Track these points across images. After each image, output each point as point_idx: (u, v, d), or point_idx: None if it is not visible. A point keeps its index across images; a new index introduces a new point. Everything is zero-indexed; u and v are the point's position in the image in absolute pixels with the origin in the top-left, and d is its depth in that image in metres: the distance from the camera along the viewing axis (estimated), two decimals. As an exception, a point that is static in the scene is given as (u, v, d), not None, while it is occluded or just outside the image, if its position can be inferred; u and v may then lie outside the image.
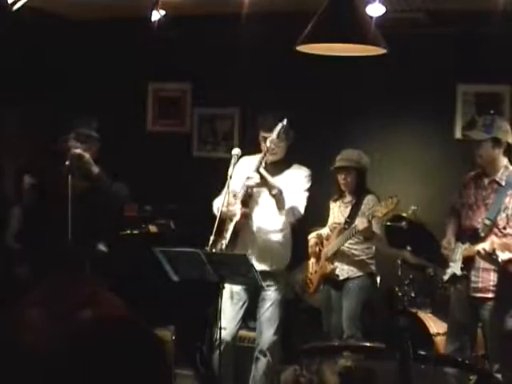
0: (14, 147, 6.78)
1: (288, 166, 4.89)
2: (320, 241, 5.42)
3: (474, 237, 4.42)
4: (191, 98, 7.33)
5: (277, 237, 4.85)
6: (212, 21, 6.54)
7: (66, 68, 7.03)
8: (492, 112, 6.24)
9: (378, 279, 5.46)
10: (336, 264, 5.29)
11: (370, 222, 4.93)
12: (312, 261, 5.46)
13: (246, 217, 4.74)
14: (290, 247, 4.96)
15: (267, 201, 4.75)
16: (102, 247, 5.00)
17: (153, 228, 6.47)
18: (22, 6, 4.94)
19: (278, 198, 4.67)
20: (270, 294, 4.84)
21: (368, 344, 3.67)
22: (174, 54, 6.95)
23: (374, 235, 5.13)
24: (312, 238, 5.44)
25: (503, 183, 4.38)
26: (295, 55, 4.07)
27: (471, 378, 3.42)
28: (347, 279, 5.29)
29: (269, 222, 4.83)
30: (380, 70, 5.92)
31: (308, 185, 4.87)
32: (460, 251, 4.47)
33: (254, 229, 4.80)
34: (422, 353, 3.21)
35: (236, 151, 4.76)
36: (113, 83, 7.06)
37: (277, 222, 4.84)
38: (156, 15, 5.34)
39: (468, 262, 4.43)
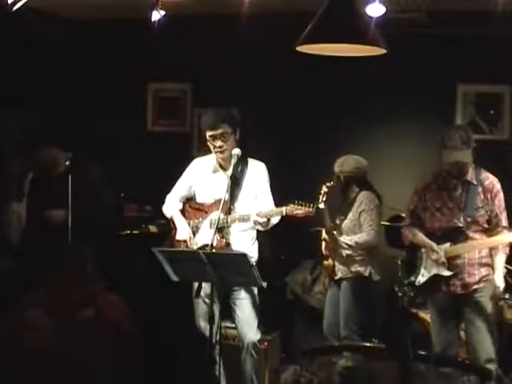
0: (14, 147, 6.79)
1: (245, 163, 4.85)
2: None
3: (453, 236, 4.54)
4: (191, 98, 7.33)
5: (248, 247, 4.82)
6: (212, 21, 6.54)
7: (65, 68, 7.03)
8: (492, 112, 6.29)
9: (378, 279, 5.46)
10: (336, 263, 5.35)
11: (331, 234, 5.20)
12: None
13: (227, 246, 4.74)
14: (256, 245, 4.92)
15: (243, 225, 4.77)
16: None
17: (153, 228, 6.47)
18: (22, 5, 4.94)
19: (267, 224, 4.71)
20: (241, 294, 4.79)
21: (368, 344, 3.67)
22: (174, 54, 6.95)
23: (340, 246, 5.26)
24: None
25: (475, 182, 4.54)
26: (295, 55, 4.07)
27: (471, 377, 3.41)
28: (342, 279, 5.36)
29: (245, 241, 4.83)
30: (380, 70, 5.92)
31: (268, 179, 4.88)
32: (441, 251, 4.56)
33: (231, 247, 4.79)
34: (422, 353, 3.20)
35: (236, 151, 4.75)
36: (113, 83, 7.06)
37: (250, 235, 4.86)
38: (156, 15, 5.33)
39: (451, 261, 4.54)
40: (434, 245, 4.59)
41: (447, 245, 4.56)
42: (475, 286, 4.54)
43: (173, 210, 5.02)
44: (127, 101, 7.17)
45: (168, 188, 4.98)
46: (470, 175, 4.54)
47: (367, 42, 3.69)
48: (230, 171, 4.75)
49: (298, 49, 3.86)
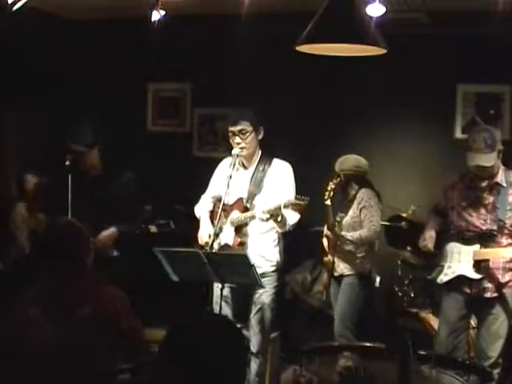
0: (14, 147, 6.79)
1: (269, 163, 4.83)
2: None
3: (484, 239, 4.43)
4: (191, 98, 7.33)
5: (269, 250, 4.78)
6: (212, 21, 6.54)
7: (65, 68, 7.03)
8: (492, 112, 6.27)
9: (378, 279, 5.47)
10: (335, 259, 5.37)
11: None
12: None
13: (242, 245, 4.71)
14: (280, 249, 4.86)
15: (261, 224, 4.68)
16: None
17: (153, 228, 6.47)
18: (22, 5, 4.94)
19: (283, 224, 4.61)
20: (259, 298, 4.76)
21: (368, 344, 3.67)
22: (174, 53, 6.95)
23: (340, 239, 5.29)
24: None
25: (504, 184, 4.42)
26: (295, 55, 4.07)
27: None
28: (342, 276, 5.38)
29: (265, 243, 4.77)
30: (380, 70, 5.92)
31: (293, 180, 4.81)
32: (468, 253, 4.45)
33: (249, 250, 4.70)
34: (422, 353, 3.20)
35: (236, 151, 4.74)
36: (113, 83, 7.06)
37: (271, 237, 4.79)
38: (156, 15, 5.33)
39: (479, 264, 4.42)
40: (433, 233, 4.58)
41: (477, 247, 4.43)
42: (498, 292, 4.42)
43: (202, 210, 5.00)
44: (127, 101, 7.16)
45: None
46: (500, 177, 4.42)
47: (367, 42, 3.69)
48: (251, 169, 4.77)
49: (298, 49, 3.86)
